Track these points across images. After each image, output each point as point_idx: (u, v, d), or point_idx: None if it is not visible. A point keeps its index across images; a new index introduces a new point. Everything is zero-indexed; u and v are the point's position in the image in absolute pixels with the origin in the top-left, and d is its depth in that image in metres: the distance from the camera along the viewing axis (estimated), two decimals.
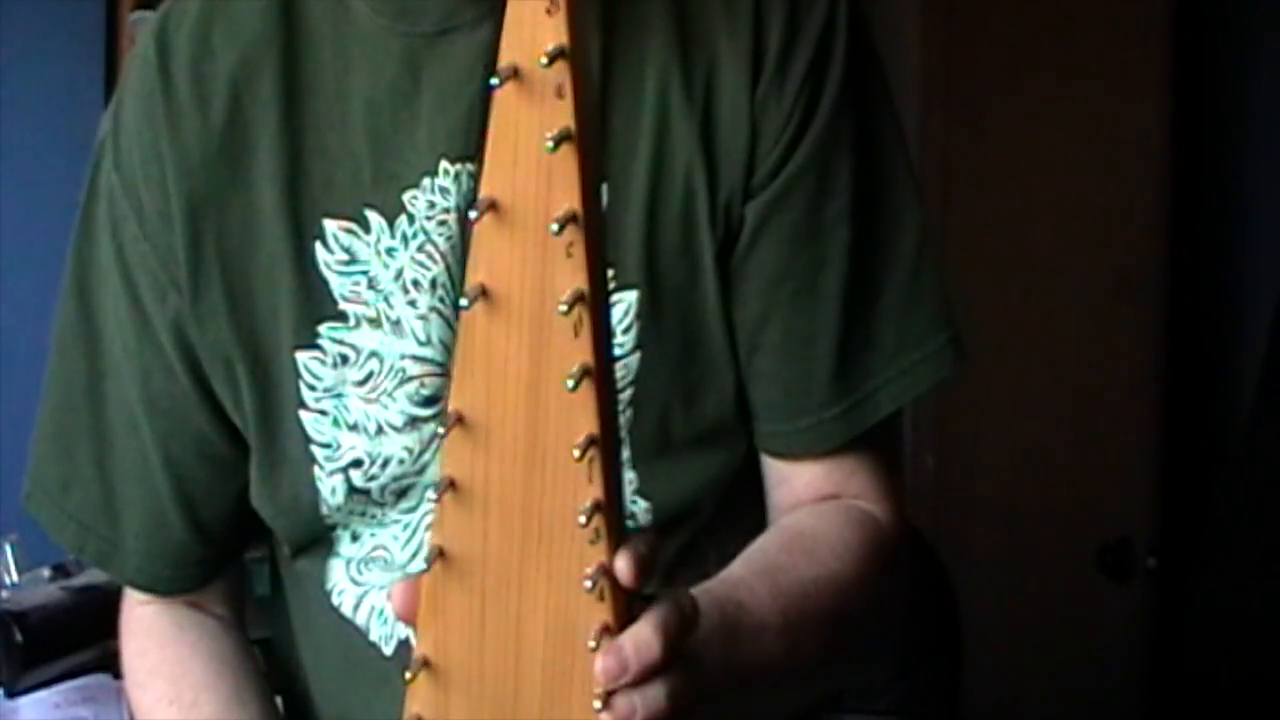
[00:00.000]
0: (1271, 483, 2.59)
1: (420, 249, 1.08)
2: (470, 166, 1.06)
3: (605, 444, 0.81)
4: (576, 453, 0.80)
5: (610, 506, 0.82)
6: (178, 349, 1.13)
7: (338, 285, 1.09)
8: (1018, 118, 2.74)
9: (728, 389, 1.11)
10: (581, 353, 0.80)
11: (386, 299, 1.09)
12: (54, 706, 1.78)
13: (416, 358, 1.09)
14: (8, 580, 1.85)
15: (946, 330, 1.13)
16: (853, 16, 1.10)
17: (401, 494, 1.12)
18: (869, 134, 1.11)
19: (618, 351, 1.08)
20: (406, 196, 1.08)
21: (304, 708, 1.23)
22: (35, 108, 2.36)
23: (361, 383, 1.10)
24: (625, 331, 1.08)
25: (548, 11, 0.78)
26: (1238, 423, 2.74)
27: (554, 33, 0.78)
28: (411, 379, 1.09)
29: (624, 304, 1.08)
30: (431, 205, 1.08)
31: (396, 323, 1.09)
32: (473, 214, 0.81)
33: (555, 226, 0.78)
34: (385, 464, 1.11)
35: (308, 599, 1.20)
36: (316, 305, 1.09)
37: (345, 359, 1.10)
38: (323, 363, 1.10)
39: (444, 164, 1.07)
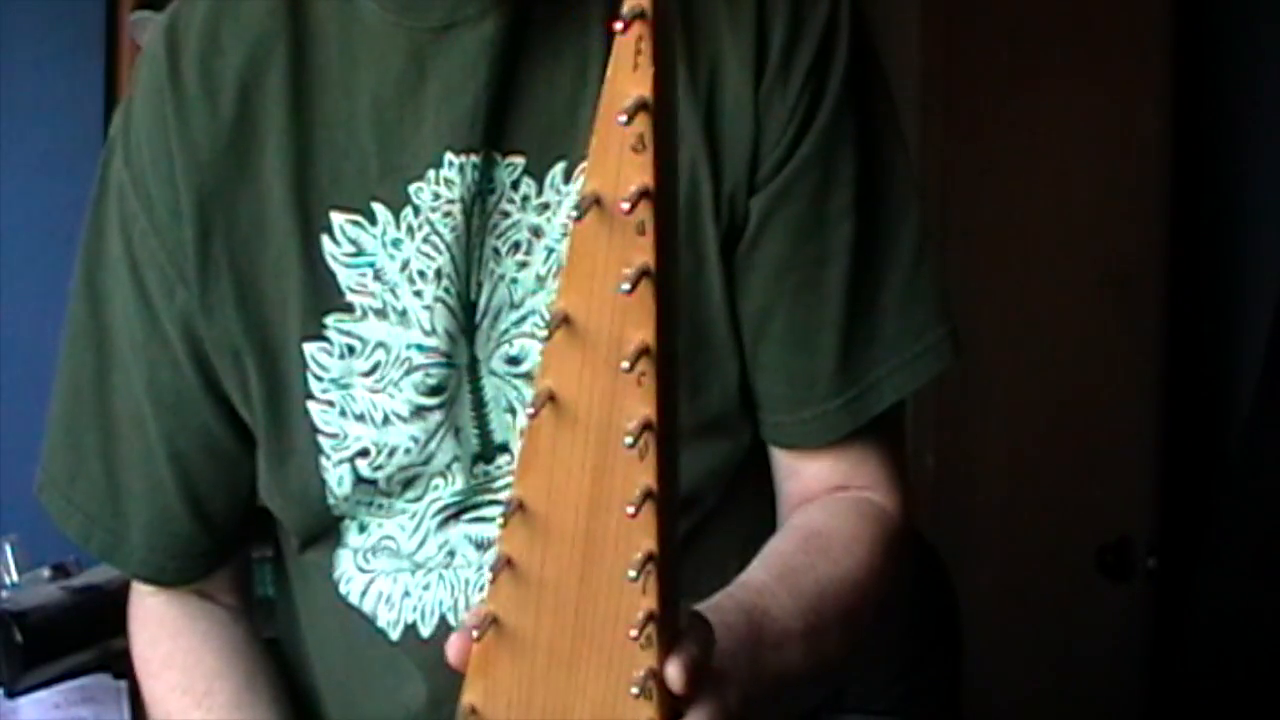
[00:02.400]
0: (1272, 483, 2.59)
1: (425, 240, 1.09)
2: (474, 158, 1.07)
3: (663, 561, 0.81)
4: (633, 573, 0.80)
5: (664, 616, 0.82)
6: (185, 343, 1.14)
7: (344, 277, 1.10)
8: (1018, 118, 2.74)
9: (731, 379, 1.12)
10: (645, 477, 0.80)
11: (393, 290, 1.10)
12: (54, 706, 1.78)
13: (422, 347, 1.10)
14: (8, 580, 1.85)
15: (945, 322, 1.14)
16: (854, 13, 1.11)
17: (408, 484, 1.13)
18: (870, 129, 1.12)
19: None
20: (412, 189, 1.09)
21: (311, 704, 1.23)
22: (35, 108, 2.36)
23: (368, 373, 1.11)
24: None
25: (634, 149, 0.77)
26: (1238, 423, 2.75)
27: (640, 172, 0.77)
28: (417, 368, 1.10)
29: None
30: (436, 197, 1.08)
31: (403, 313, 1.10)
32: (542, 330, 0.80)
33: (627, 364, 0.78)
34: (391, 453, 1.11)
35: (315, 591, 1.21)
36: (323, 297, 1.10)
37: (352, 350, 1.11)
38: (330, 354, 1.11)
39: (449, 156, 1.08)
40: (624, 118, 0.76)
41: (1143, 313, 2.76)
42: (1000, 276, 2.74)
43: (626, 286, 0.77)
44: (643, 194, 0.76)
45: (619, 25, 0.76)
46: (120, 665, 1.69)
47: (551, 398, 0.81)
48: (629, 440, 0.79)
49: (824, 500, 1.14)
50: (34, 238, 2.30)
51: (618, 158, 0.77)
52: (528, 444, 0.83)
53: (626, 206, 0.76)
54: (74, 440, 1.20)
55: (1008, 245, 2.77)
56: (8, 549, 1.87)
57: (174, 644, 1.22)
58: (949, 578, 2.12)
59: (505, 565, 0.84)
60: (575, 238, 0.79)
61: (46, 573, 1.81)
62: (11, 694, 1.68)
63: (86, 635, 1.69)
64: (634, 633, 0.81)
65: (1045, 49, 2.74)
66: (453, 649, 0.87)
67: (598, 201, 0.77)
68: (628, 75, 0.76)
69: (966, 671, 2.14)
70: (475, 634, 0.85)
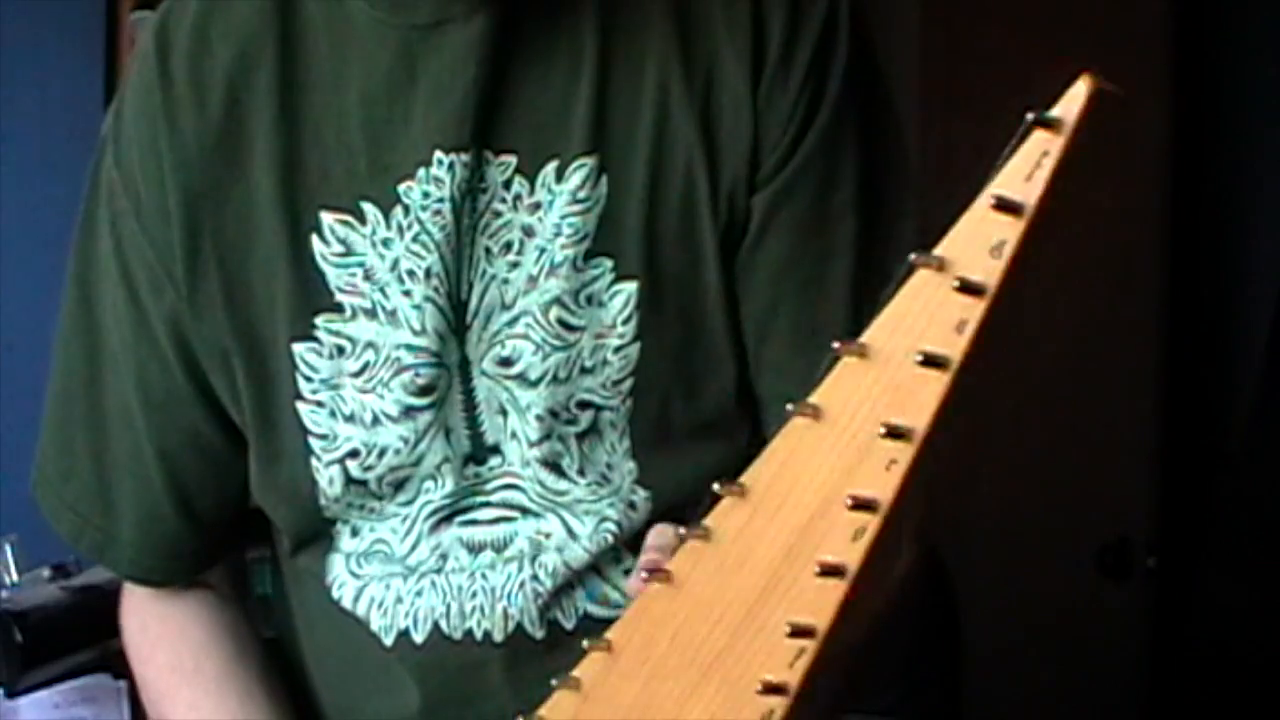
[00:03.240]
0: (1272, 483, 2.59)
1: (415, 239, 1.08)
2: (464, 156, 1.07)
3: (822, 642, 0.79)
4: (787, 628, 0.78)
5: (797, 698, 0.80)
6: (173, 343, 1.14)
7: (334, 277, 1.10)
8: (1018, 118, 2.74)
9: (729, 379, 1.12)
10: (848, 553, 0.77)
11: (382, 289, 1.09)
12: (54, 706, 1.78)
13: (411, 347, 1.09)
14: (8, 580, 1.85)
15: None
16: (852, 8, 1.11)
17: (399, 486, 1.12)
18: (871, 124, 1.11)
19: (618, 343, 1.09)
20: (402, 188, 1.08)
21: (309, 704, 1.23)
22: (35, 108, 2.36)
23: (358, 373, 1.10)
24: (626, 322, 1.08)
25: (992, 250, 0.73)
26: (1238, 423, 2.74)
27: (986, 273, 0.73)
28: (406, 368, 1.09)
29: (624, 294, 1.08)
30: (426, 195, 1.08)
31: (392, 313, 1.09)
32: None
33: (882, 429, 0.76)
34: (381, 454, 1.11)
35: (308, 595, 1.20)
36: (313, 297, 1.10)
37: (341, 350, 1.10)
38: (319, 354, 1.11)
39: (438, 154, 1.07)
40: (993, 204, 0.73)
41: (1143, 312, 2.75)
42: None
43: (919, 359, 0.75)
44: (977, 290, 0.74)
45: (1030, 116, 0.74)
46: (120, 665, 1.69)
47: (816, 412, 0.79)
48: (849, 504, 0.77)
49: None
50: (34, 237, 2.29)
51: (972, 241, 0.74)
52: (777, 437, 0.81)
53: (955, 285, 0.74)
54: (66, 438, 1.20)
55: None
56: (8, 549, 1.86)
57: (163, 627, 1.22)
58: (949, 577, 2.12)
59: (703, 534, 0.83)
60: (910, 281, 0.77)
61: (46, 573, 1.80)
62: (11, 694, 1.67)
63: (86, 635, 1.69)
64: (758, 686, 0.80)
65: (1045, 47, 2.73)
66: (630, 582, 0.88)
67: (941, 265, 0.75)
68: (1018, 177, 0.73)
69: (966, 671, 2.14)
70: (644, 576, 0.85)
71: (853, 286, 1.10)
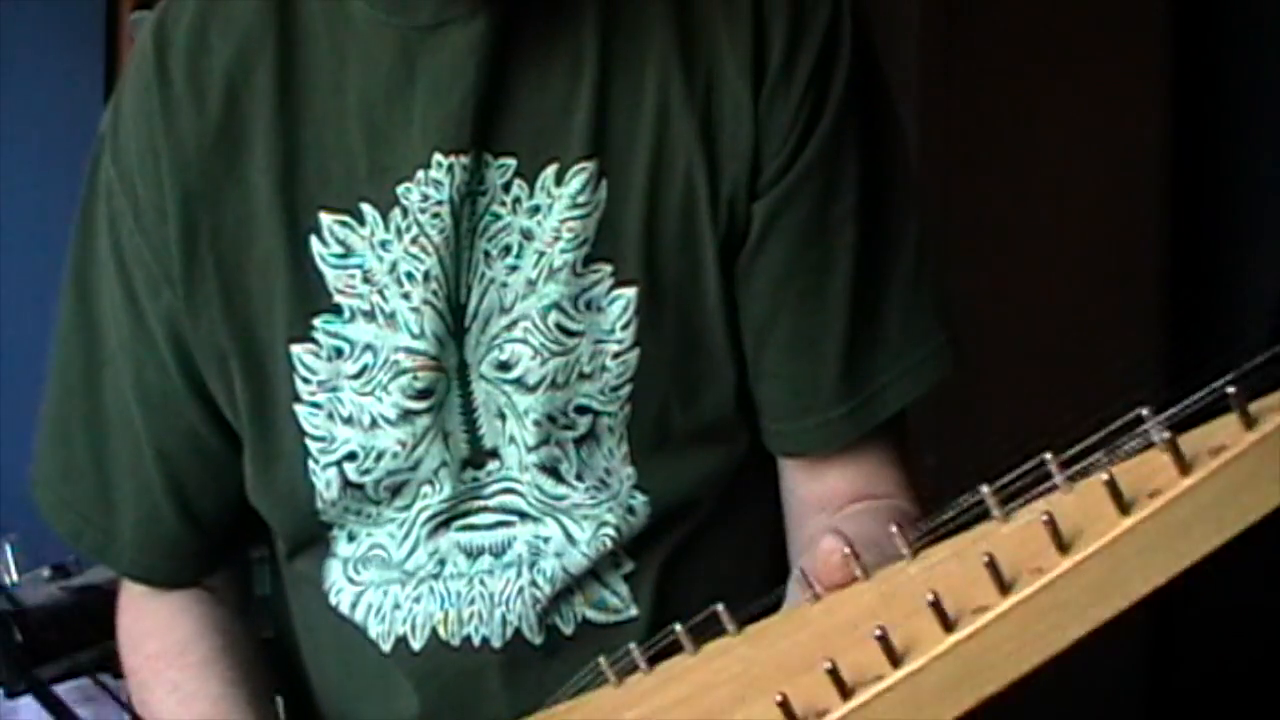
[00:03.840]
0: None
1: (414, 241, 1.08)
2: (463, 159, 1.07)
3: (904, 676, 0.80)
4: (878, 631, 0.79)
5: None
6: (171, 343, 1.14)
7: (332, 278, 1.09)
8: (1018, 118, 2.74)
9: (727, 385, 1.11)
10: (966, 618, 0.78)
11: (381, 291, 1.09)
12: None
13: (410, 350, 1.09)
14: (8, 580, 1.85)
15: (946, 328, 1.14)
16: (855, 16, 1.10)
17: (396, 491, 1.12)
18: (872, 133, 1.11)
19: (616, 347, 1.09)
20: (400, 189, 1.08)
21: (307, 706, 1.23)
22: (35, 108, 2.36)
23: (356, 375, 1.10)
24: (625, 327, 1.08)
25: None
26: None
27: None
28: (405, 371, 1.09)
29: (624, 299, 1.08)
30: (425, 198, 1.07)
31: (391, 315, 1.09)
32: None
33: (1049, 530, 0.77)
34: (379, 457, 1.10)
35: (306, 599, 1.20)
36: (311, 298, 1.10)
37: (340, 352, 1.10)
38: (317, 355, 1.10)
39: (437, 156, 1.07)
40: (1237, 415, 0.75)
41: (1143, 312, 2.75)
42: (1001, 276, 2.74)
43: (1111, 497, 0.76)
44: (1184, 468, 0.77)
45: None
46: (120, 665, 1.69)
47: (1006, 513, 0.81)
48: (986, 563, 0.77)
49: (866, 508, 1.13)
50: (34, 237, 2.29)
51: (1201, 436, 0.78)
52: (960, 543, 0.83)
53: (1167, 457, 0.76)
54: (64, 437, 1.20)
55: (1008, 245, 2.76)
56: (8, 549, 1.86)
57: (154, 619, 1.22)
58: None
59: (864, 574, 0.85)
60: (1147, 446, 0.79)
61: (46, 573, 1.80)
62: (11, 694, 1.67)
63: (86, 635, 1.69)
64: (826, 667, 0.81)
65: (1045, 49, 2.73)
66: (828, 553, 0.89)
67: (1166, 437, 0.77)
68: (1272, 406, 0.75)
69: None
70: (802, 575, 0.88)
71: (852, 295, 1.10)
